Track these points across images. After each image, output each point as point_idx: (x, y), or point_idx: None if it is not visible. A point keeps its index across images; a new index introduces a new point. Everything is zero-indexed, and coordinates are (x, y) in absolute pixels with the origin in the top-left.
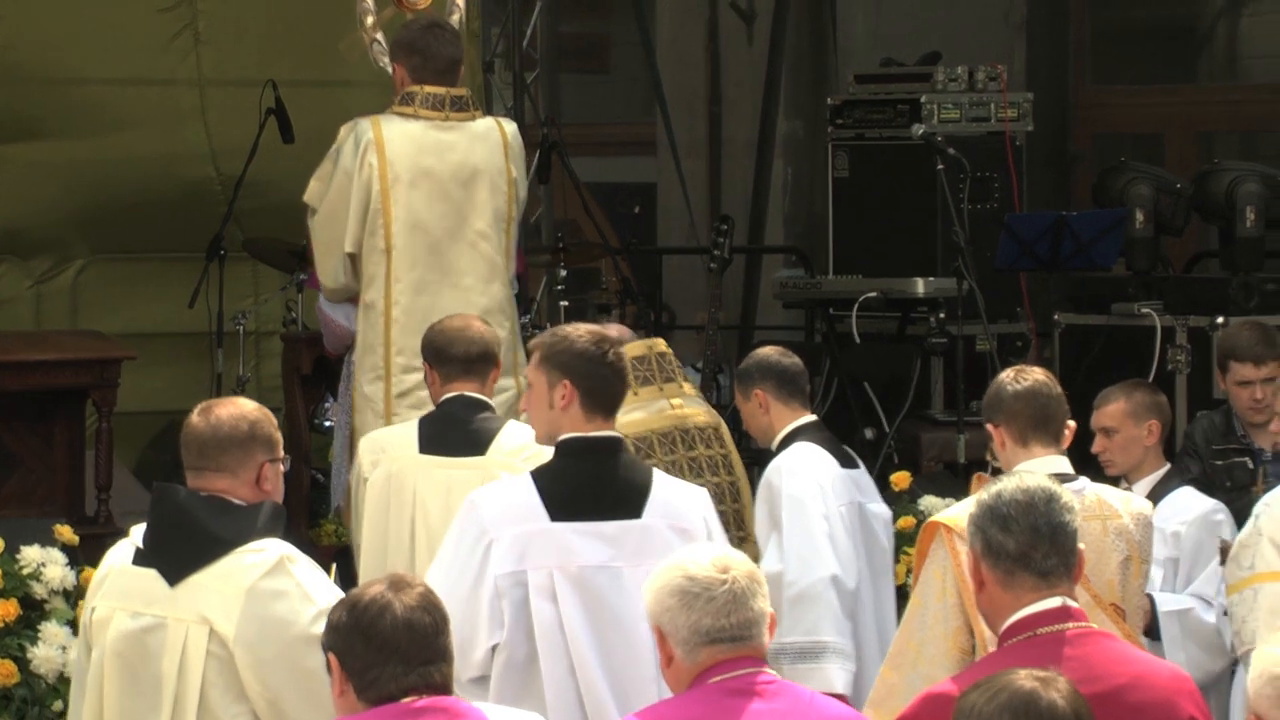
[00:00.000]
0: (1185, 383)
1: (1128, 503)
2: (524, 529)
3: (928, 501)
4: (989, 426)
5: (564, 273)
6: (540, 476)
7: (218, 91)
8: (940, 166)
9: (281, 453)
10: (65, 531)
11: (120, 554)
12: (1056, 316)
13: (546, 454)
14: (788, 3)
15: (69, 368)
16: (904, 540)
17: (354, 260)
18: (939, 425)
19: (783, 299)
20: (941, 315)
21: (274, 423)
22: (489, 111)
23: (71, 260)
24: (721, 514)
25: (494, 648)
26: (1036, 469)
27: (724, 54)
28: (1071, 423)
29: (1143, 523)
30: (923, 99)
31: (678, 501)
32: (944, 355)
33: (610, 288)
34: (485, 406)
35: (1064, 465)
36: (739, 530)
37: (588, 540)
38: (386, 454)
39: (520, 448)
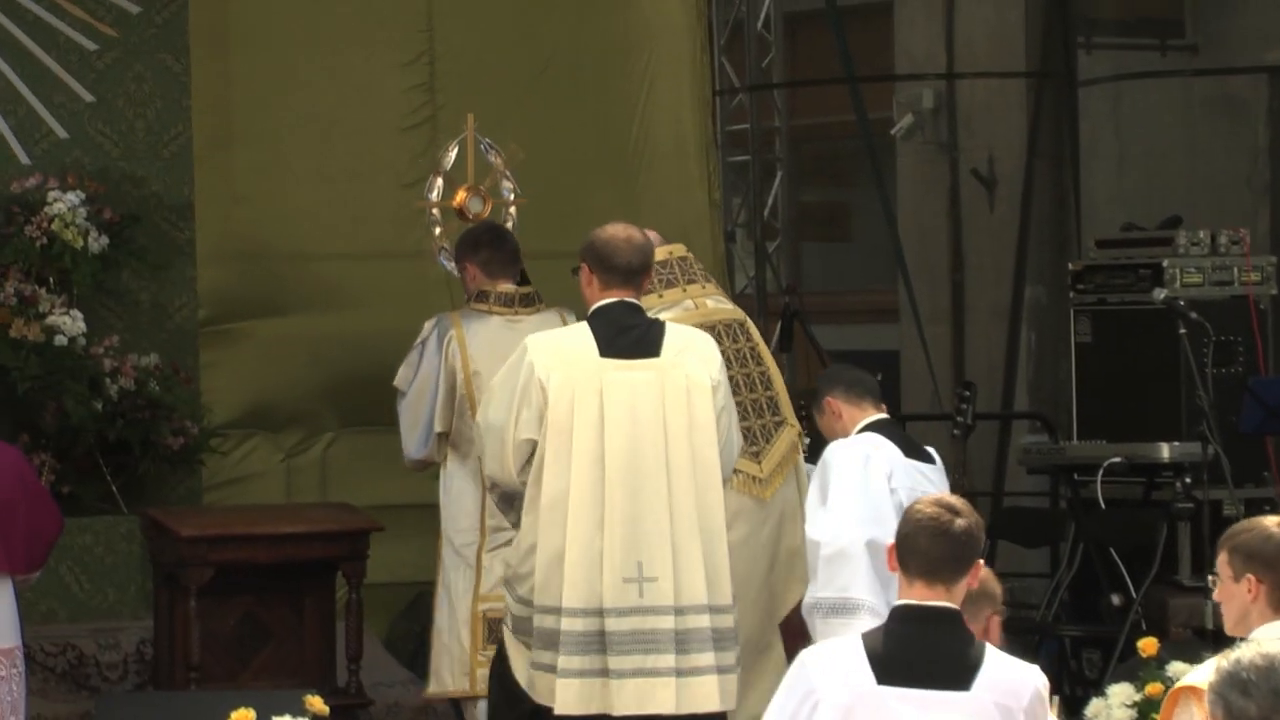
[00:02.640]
0: None
1: None
2: (850, 690)
3: (1175, 668)
4: (1247, 575)
5: (808, 440)
6: (870, 639)
7: None
8: (1183, 331)
9: (1002, 606)
10: (316, 702)
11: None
12: None
13: (710, 351)
14: (1034, 169)
15: (319, 540)
16: (1150, 707)
17: (443, 438)
18: (1186, 591)
19: (1027, 465)
20: (1187, 480)
21: (996, 579)
22: (732, 281)
23: (321, 433)
24: (754, 401)
25: None
26: (1276, 631)
27: (965, 220)
28: None
29: None
30: (1165, 263)
31: (1010, 679)
32: (1190, 520)
33: None
34: (642, 311)
35: None
36: (774, 415)
37: (910, 708)
38: (567, 360)
39: (687, 346)
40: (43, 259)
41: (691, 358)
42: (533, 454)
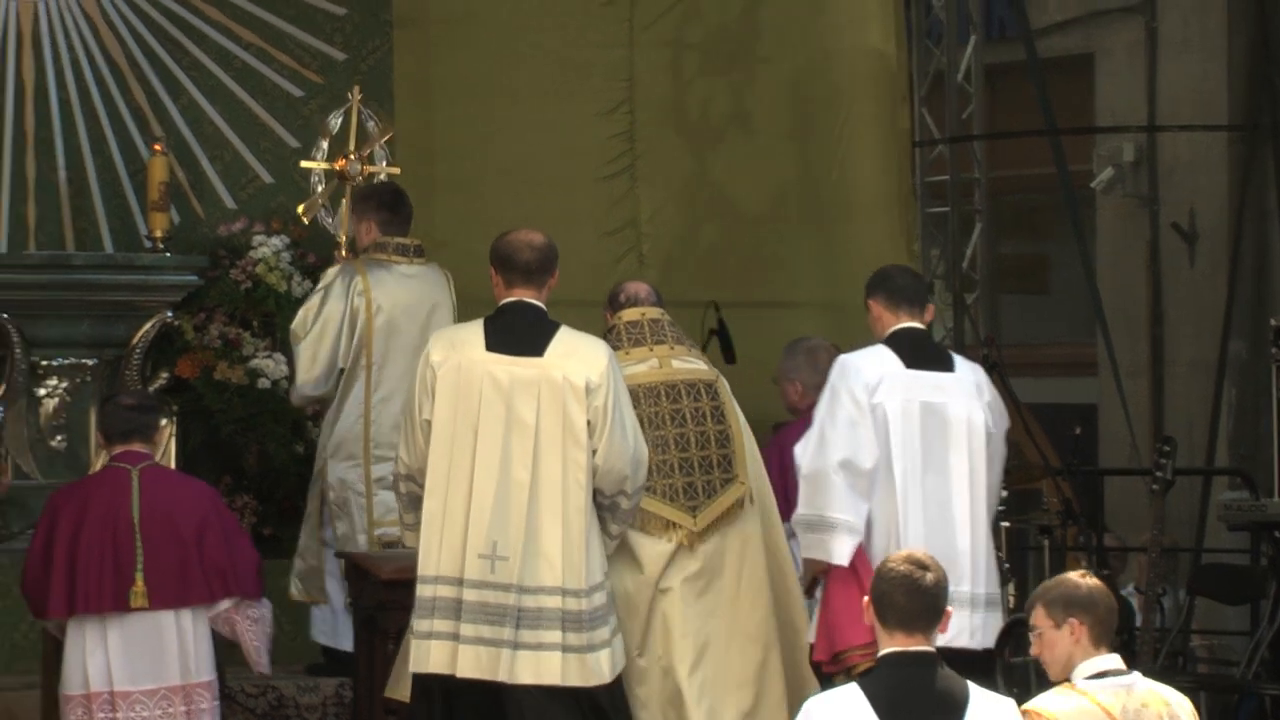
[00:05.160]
0: None
1: (1174, 692)
2: None
3: None
4: (1069, 620)
5: (1005, 494)
6: (866, 685)
7: None
8: None
9: None
10: None
11: None
12: None
13: (595, 357)
14: (1242, 224)
15: None
16: None
17: (343, 374)
18: None
19: (1227, 521)
20: None
21: None
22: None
23: None
24: (704, 458)
25: None
26: (1094, 666)
27: (1165, 274)
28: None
29: (1188, 712)
30: None
31: (994, 713)
32: None
33: (1051, 509)
34: (541, 312)
35: (1118, 663)
36: (724, 473)
37: None
38: (456, 348)
39: (571, 349)
40: (247, 302)
41: (573, 360)
42: None
